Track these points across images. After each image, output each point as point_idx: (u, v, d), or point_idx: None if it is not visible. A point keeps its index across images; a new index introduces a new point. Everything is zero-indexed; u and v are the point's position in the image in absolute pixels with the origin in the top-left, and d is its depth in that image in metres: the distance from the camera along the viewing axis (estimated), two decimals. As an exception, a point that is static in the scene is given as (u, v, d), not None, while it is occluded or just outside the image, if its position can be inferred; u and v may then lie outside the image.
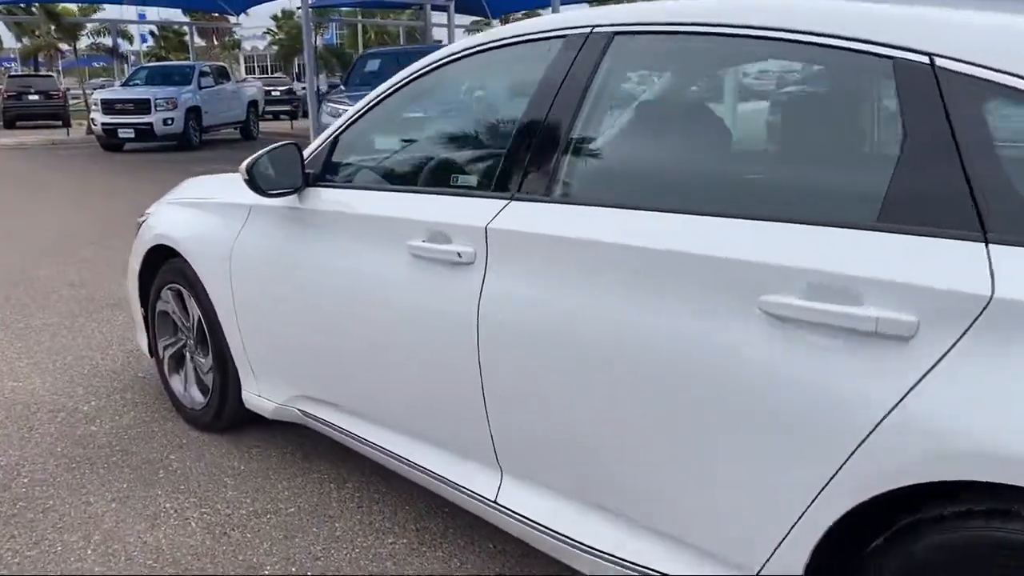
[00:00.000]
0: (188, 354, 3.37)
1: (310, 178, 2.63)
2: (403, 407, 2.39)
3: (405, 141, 2.76)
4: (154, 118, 16.21)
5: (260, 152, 2.54)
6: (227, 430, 3.30)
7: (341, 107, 10.94)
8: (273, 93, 26.45)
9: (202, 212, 3.13)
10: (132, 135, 16.32)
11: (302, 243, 2.61)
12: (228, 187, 3.12)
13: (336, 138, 2.66)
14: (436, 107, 2.93)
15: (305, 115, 27.62)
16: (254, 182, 2.53)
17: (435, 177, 2.46)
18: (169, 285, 3.33)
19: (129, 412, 3.55)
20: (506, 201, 2.07)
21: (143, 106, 16.26)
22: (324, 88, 17.36)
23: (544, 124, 2.05)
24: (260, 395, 2.97)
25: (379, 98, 2.55)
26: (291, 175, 2.59)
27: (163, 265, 3.36)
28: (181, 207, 3.30)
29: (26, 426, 3.42)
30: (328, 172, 2.67)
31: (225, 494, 2.86)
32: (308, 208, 2.61)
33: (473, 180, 2.34)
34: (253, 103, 19.86)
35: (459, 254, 2.09)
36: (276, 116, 26.59)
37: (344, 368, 2.57)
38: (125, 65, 28.56)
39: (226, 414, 3.20)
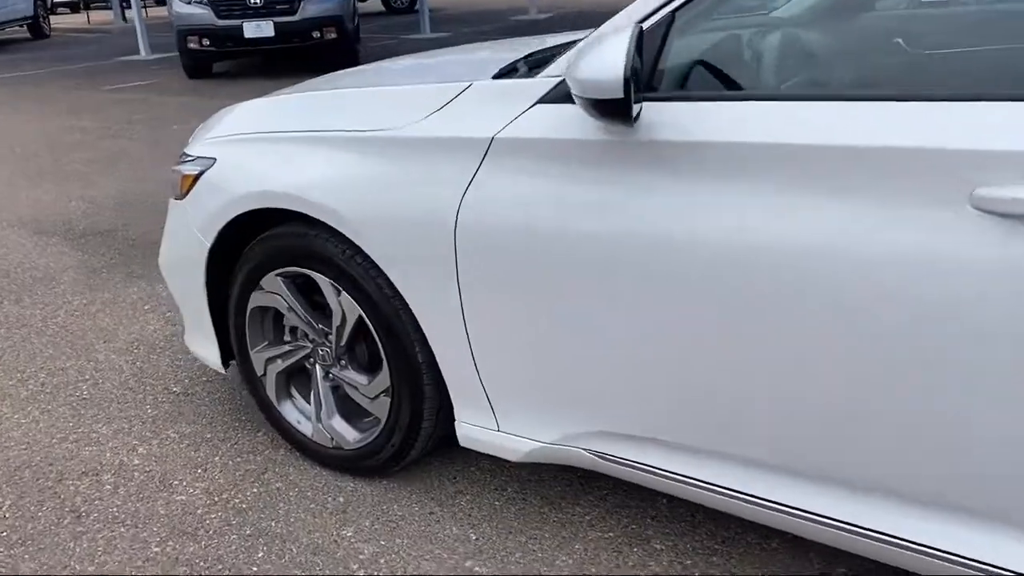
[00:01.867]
0: (321, 370, 2.23)
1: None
2: (924, 466, 1.44)
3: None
4: (-78, 18, 13.27)
5: (628, 47, 1.41)
6: (390, 475, 2.24)
7: (198, -9, 9.06)
8: (48, -18, 22.77)
9: (357, 154, 1.93)
10: None
11: (647, 203, 1.55)
12: (381, 109, 1.97)
13: (671, 19, 1.58)
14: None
15: (90, 5, 24.23)
16: (628, 103, 1.43)
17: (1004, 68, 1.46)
18: (281, 270, 2.15)
19: (213, 460, 2.37)
20: None
21: (-94, 3, 13.25)
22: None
23: None
24: (502, 431, 1.93)
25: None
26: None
27: (256, 240, 2.17)
28: (298, 144, 2.06)
29: (68, 508, 2.18)
30: (666, 77, 1.61)
31: (490, 594, 1.85)
32: (657, 140, 1.54)
33: None
34: (40, -6, 16.81)
35: None
36: (53, 9, 23.02)
37: (760, 403, 1.53)
38: None
39: (412, 455, 2.13)
